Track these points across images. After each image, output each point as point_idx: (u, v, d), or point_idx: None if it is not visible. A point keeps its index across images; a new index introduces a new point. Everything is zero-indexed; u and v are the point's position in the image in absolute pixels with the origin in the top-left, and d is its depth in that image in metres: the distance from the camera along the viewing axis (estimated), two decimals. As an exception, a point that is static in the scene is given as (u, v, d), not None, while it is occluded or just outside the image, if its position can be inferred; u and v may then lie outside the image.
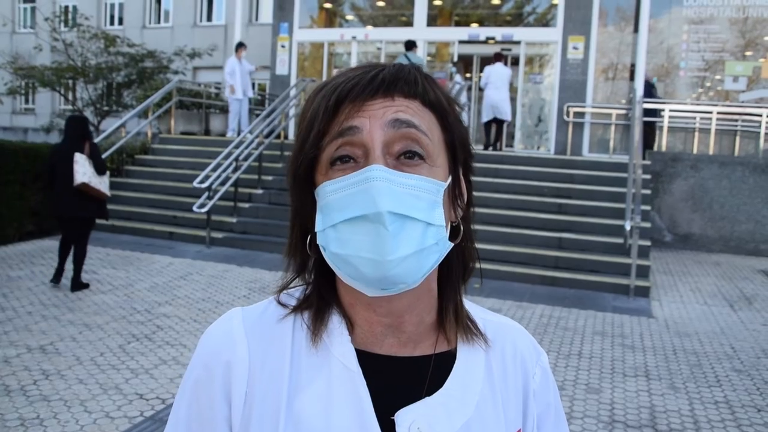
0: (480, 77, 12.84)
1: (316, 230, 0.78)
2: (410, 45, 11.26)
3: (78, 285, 6.51)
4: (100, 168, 6.60)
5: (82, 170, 6.37)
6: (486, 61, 14.24)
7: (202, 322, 5.68)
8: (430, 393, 0.81)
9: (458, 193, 0.83)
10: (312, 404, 0.78)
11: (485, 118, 12.04)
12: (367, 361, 0.80)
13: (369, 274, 0.73)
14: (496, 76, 11.76)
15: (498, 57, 12.12)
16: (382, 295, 0.77)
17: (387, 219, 0.71)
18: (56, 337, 5.09)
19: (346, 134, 0.75)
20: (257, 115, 12.90)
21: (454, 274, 0.86)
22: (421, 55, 12.85)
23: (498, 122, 12.07)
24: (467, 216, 0.86)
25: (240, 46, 13.00)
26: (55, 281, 6.61)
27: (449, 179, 0.80)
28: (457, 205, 0.83)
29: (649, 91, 11.50)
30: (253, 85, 19.92)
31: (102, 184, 6.58)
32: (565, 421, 0.95)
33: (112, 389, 4.16)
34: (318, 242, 0.78)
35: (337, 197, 0.75)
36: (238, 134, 11.76)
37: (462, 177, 0.84)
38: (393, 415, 0.78)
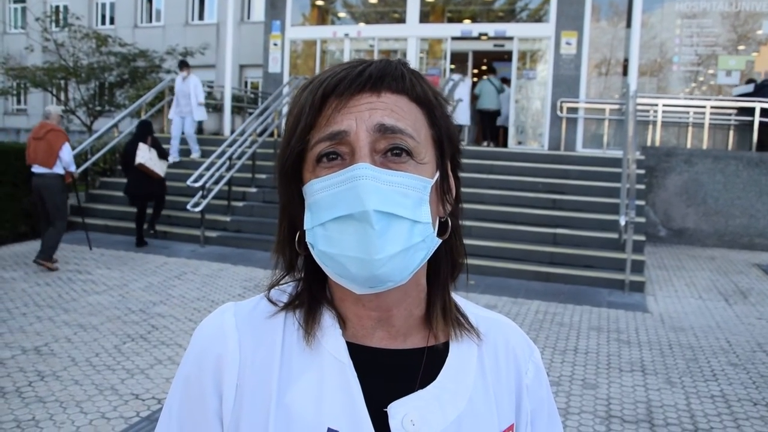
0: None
1: (305, 228, 0.78)
2: (492, 70, 13.21)
3: (153, 227, 9.34)
4: (162, 154, 9.11)
5: (141, 154, 8.62)
6: (478, 55, 14.44)
7: (197, 321, 5.66)
8: (422, 386, 0.80)
9: (446, 188, 0.83)
10: (303, 396, 0.78)
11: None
12: (359, 353, 0.80)
13: (356, 273, 0.74)
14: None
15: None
16: (371, 292, 0.77)
17: (373, 218, 0.71)
18: (51, 338, 5.07)
19: (335, 138, 0.75)
20: (250, 114, 12.83)
21: (442, 270, 0.86)
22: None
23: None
24: (455, 212, 0.85)
25: (181, 64, 11.83)
26: (139, 245, 8.84)
27: (437, 175, 0.80)
28: (446, 200, 0.82)
29: (764, 90, 11.23)
30: (246, 83, 19.93)
31: (157, 166, 8.83)
32: (558, 416, 0.95)
33: (107, 390, 4.15)
34: (306, 240, 0.78)
35: (324, 195, 0.75)
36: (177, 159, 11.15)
37: (450, 172, 0.84)
38: (385, 407, 0.78)
